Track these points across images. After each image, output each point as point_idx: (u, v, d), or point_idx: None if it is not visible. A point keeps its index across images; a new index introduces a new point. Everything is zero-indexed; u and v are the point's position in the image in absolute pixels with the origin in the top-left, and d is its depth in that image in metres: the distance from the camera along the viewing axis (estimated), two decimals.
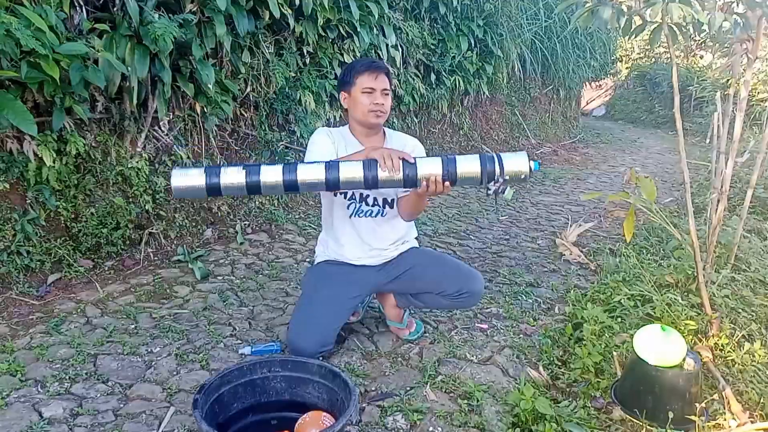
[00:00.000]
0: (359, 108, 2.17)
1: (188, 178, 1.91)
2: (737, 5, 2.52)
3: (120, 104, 2.94)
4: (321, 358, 2.12)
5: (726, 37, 2.69)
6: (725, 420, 1.92)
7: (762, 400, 2.08)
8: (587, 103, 14.82)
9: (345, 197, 2.27)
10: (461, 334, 2.57)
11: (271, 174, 1.92)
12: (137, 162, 3.06)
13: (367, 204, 2.29)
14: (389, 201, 2.31)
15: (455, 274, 2.33)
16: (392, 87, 2.32)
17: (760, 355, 2.29)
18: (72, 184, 2.81)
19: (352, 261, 2.34)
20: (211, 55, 3.27)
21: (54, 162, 2.64)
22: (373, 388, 2.11)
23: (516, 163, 1.92)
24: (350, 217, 2.30)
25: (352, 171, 1.91)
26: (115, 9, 2.77)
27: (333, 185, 1.93)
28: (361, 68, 2.16)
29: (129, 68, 2.70)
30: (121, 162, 3.00)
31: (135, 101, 2.84)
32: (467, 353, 2.40)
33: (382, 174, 1.90)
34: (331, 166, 1.92)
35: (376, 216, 2.32)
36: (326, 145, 2.19)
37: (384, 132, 2.32)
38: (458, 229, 4.27)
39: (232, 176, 1.91)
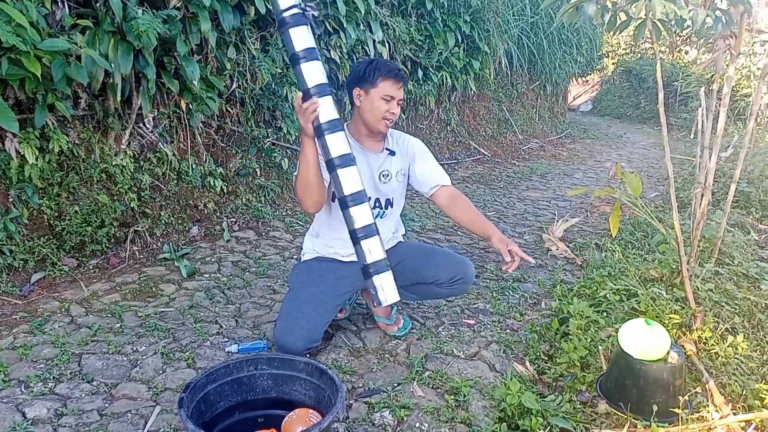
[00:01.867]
0: (374, 112, 2.13)
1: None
2: (720, 1, 2.54)
3: (104, 101, 2.91)
4: (308, 355, 2.13)
5: (709, 33, 2.71)
6: (708, 412, 1.95)
7: (744, 392, 2.11)
8: (574, 99, 14.90)
9: None
10: (448, 330, 2.58)
11: (313, 74, 1.88)
12: (122, 159, 3.03)
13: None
14: (391, 201, 2.33)
15: (448, 262, 2.35)
16: None
17: (742, 348, 2.32)
18: (55, 182, 2.78)
19: (343, 258, 2.33)
20: (196, 51, 3.24)
21: (36, 160, 2.61)
22: (360, 385, 2.12)
23: (386, 287, 1.99)
24: None
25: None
26: (97, 4, 2.74)
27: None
28: (388, 73, 2.10)
29: (112, 64, 2.67)
30: (105, 159, 2.97)
31: (119, 98, 2.81)
32: (454, 349, 2.41)
33: None
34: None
35: (376, 218, 2.32)
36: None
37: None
38: (446, 225, 4.28)
39: (299, 38, 1.86)
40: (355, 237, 1.97)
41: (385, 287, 1.97)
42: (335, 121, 1.91)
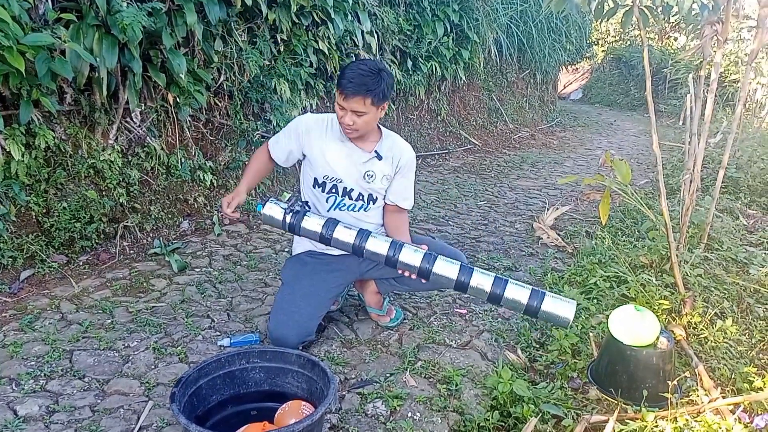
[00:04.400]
0: (337, 117, 2.13)
1: (274, 211, 2.14)
2: None
3: (90, 96, 2.88)
4: (301, 348, 2.13)
5: (696, 20, 2.71)
6: (698, 396, 1.97)
7: (733, 376, 2.13)
8: (564, 87, 14.91)
9: (323, 191, 2.24)
10: (440, 320, 2.59)
11: (345, 234, 2.10)
12: (110, 154, 3.01)
13: (350, 198, 2.27)
14: (374, 198, 2.29)
15: (441, 253, 2.33)
16: (379, 105, 2.08)
17: (731, 332, 2.35)
18: (42, 179, 2.75)
19: (335, 252, 2.32)
20: (182, 44, 3.21)
21: (23, 156, 2.58)
22: (353, 376, 2.12)
23: (560, 308, 1.97)
24: (328, 210, 2.28)
25: (410, 256, 2.08)
26: None
27: (392, 264, 2.10)
28: (340, 83, 2.05)
29: (97, 59, 2.64)
30: (92, 155, 2.95)
31: (105, 92, 2.78)
32: (446, 338, 2.42)
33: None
34: (396, 246, 2.09)
35: (358, 211, 2.31)
36: (290, 140, 2.25)
37: (381, 131, 2.26)
38: (437, 216, 4.29)
39: (312, 225, 2.11)
40: (496, 297, 2.03)
41: (556, 309, 1.97)
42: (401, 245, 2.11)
